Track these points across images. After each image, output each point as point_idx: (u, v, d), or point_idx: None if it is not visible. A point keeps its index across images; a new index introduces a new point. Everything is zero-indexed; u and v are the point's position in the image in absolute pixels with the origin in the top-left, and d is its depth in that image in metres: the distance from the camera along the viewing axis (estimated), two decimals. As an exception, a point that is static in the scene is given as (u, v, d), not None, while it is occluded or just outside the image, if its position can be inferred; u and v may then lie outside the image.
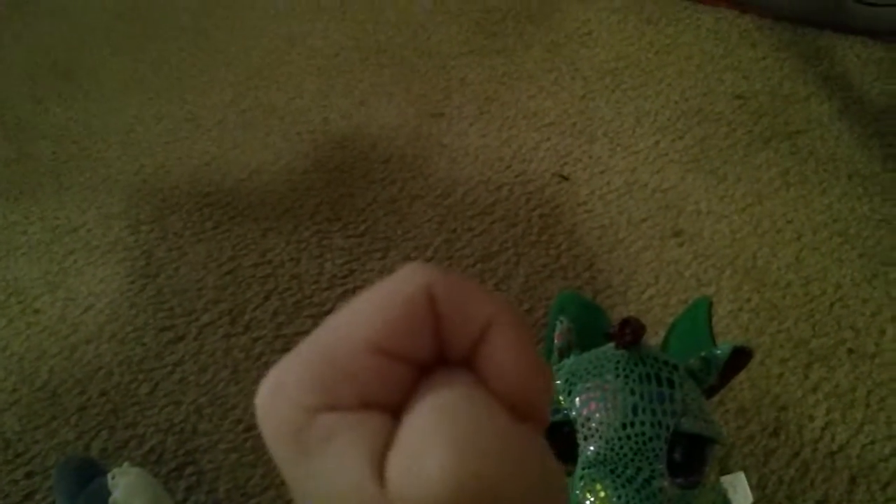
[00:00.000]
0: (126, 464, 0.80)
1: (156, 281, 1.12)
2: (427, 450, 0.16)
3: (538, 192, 1.22)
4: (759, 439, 0.88)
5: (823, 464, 0.86)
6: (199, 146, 1.37)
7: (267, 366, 1.00)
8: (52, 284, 1.12)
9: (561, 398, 0.54)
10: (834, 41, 1.50)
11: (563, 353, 0.60)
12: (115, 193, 1.27)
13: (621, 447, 0.50)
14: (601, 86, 1.43)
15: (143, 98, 1.49)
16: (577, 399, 0.53)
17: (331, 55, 1.57)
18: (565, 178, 1.24)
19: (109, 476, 0.79)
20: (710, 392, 0.57)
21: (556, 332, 0.60)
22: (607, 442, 0.51)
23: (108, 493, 0.77)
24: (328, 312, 1.04)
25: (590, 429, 0.52)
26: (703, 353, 0.56)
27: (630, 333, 0.53)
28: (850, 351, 0.97)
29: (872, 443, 0.87)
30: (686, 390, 0.53)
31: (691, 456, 0.52)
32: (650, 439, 0.50)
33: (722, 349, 0.56)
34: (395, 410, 0.18)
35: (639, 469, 0.50)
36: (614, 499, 0.48)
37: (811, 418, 0.90)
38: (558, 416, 0.53)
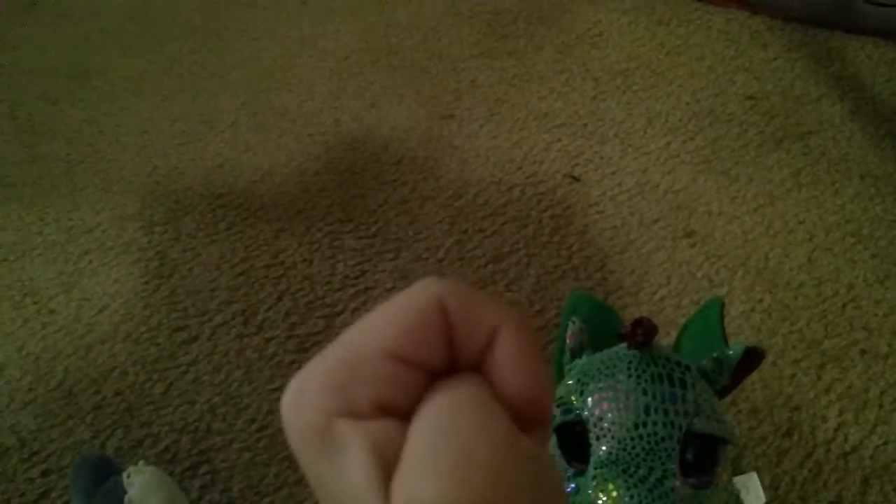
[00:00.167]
0: (141, 462, 0.81)
1: (169, 281, 1.12)
2: (425, 478, 0.17)
3: (549, 193, 1.22)
4: (771, 440, 0.88)
5: (836, 465, 0.86)
6: (211, 148, 1.37)
7: (280, 366, 1.01)
8: (68, 285, 1.13)
9: (573, 398, 0.54)
10: (845, 42, 1.50)
11: (576, 354, 0.60)
12: (129, 195, 1.28)
13: (633, 447, 0.51)
14: (612, 87, 1.43)
15: (156, 100, 1.50)
16: (590, 399, 0.53)
17: (342, 57, 1.58)
18: (576, 179, 1.24)
19: (125, 475, 0.79)
20: (722, 392, 0.57)
21: (568, 333, 0.60)
22: (619, 442, 0.51)
23: (124, 492, 0.78)
24: (340, 313, 1.05)
25: (602, 429, 0.52)
26: (715, 354, 0.57)
27: (642, 334, 0.53)
28: (863, 352, 0.97)
29: (885, 443, 0.87)
30: (698, 391, 0.54)
31: (703, 456, 0.52)
32: (662, 439, 0.51)
33: (734, 350, 0.56)
34: (407, 414, 0.19)
35: (651, 469, 0.50)
36: (626, 498, 0.48)
37: (824, 419, 0.90)
38: (570, 416, 0.53)
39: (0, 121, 1.48)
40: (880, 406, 0.91)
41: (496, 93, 1.44)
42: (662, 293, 1.05)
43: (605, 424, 0.52)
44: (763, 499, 0.69)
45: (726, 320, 0.66)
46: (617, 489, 0.49)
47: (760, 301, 1.03)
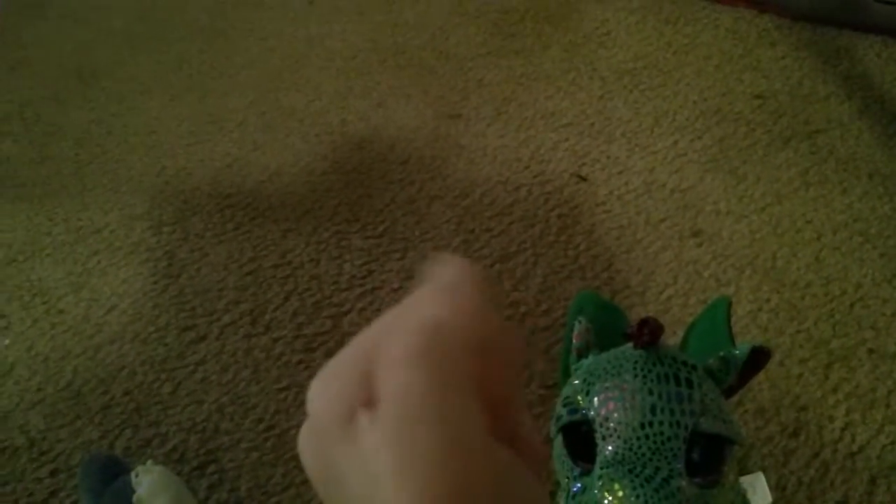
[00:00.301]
0: (149, 462, 0.82)
1: (178, 281, 1.13)
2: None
3: (556, 192, 1.22)
4: (778, 440, 0.88)
5: (843, 464, 0.85)
6: (220, 148, 1.38)
7: (287, 366, 1.02)
8: (76, 285, 1.14)
9: (579, 398, 0.54)
10: (854, 40, 1.49)
11: (582, 354, 0.60)
12: (138, 195, 1.29)
13: (640, 447, 0.51)
14: (619, 86, 1.43)
15: (164, 100, 1.51)
16: (596, 399, 0.53)
17: (349, 57, 1.58)
18: (583, 179, 1.24)
19: (133, 474, 0.80)
20: (729, 392, 0.57)
21: (575, 333, 0.60)
22: (626, 441, 0.51)
23: (132, 491, 0.78)
24: (347, 313, 1.05)
25: (608, 428, 0.52)
26: (721, 353, 0.56)
27: (648, 333, 0.53)
28: (871, 351, 0.96)
29: (893, 443, 0.87)
30: (705, 390, 0.54)
31: (710, 456, 0.52)
32: (668, 439, 0.51)
33: (740, 349, 0.56)
34: None
35: (657, 468, 0.50)
36: (632, 498, 0.48)
37: (831, 419, 0.90)
38: (577, 416, 0.54)
39: (9, 121, 1.48)
40: (888, 406, 0.91)
41: (503, 92, 1.44)
42: (669, 292, 1.05)
43: (612, 424, 0.52)
44: (770, 499, 0.69)
45: (733, 320, 0.66)
46: (623, 489, 0.49)
47: (768, 300, 1.03)
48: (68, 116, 1.49)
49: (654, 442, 0.51)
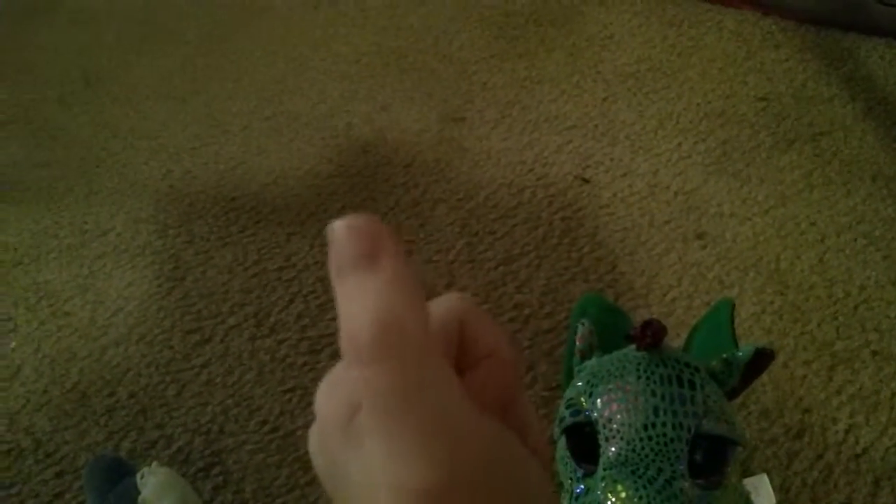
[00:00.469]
0: (154, 464, 0.82)
1: (183, 284, 1.13)
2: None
3: (560, 195, 1.22)
4: (782, 441, 0.88)
5: (847, 466, 0.85)
6: (224, 152, 1.38)
7: (292, 368, 1.02)
8: (82, 288, 1.14)
9: (583, 399, 0.54)
10: (857, 42, 1.49)
11: (585, 355, 0.60)
12: (144, 198, 1.30)
13: (643, 448, 0.51)
14: (623, 89, 1.43)
15: (169, 104, 1.51)
16: (599, 400, 0.53)
17: (353, 61, 1.59)
18: (587, 181, 1.24)
19: (138, 475, 0.80)
20: (732, 394, 0.57)
21: (578, 335, 0.60)
22: (629, 443, 0.51)
23: (138, 493, 0.78)
24: (352, 315, 1.05)
25: (611, 430, 0.52)
26: (724, 355, 0.57)
27: (651, 335, 0.53)
28: (875, 353, 0.96)
29: (897, 446, 0.87)
30: (708, 392, 0.54)
31: (712, 457, 0.52)
32: (671, 440, 0.51)
33: (744, 351, 0.56)
34: None
35: (660, 470, 0.50)
36: (635, 499, 0.48)
37: (835, 421, 0.90)
38: (580, 417, 0.54)
39: (15, 125, 1.49)
40: (891, 408, 0.90)
41: (507, 95, 1.45)
42: (673, 294, 1.05)
43: (615, 425, 0.52)
44: (773, 500, 0.69)
45: (737, 322, 0.66)
46: (626, 490, 0.49)
47: (771, 302, 1.03)
48: (74, 120, 1.50)
49: (657, 443, 0.51)
